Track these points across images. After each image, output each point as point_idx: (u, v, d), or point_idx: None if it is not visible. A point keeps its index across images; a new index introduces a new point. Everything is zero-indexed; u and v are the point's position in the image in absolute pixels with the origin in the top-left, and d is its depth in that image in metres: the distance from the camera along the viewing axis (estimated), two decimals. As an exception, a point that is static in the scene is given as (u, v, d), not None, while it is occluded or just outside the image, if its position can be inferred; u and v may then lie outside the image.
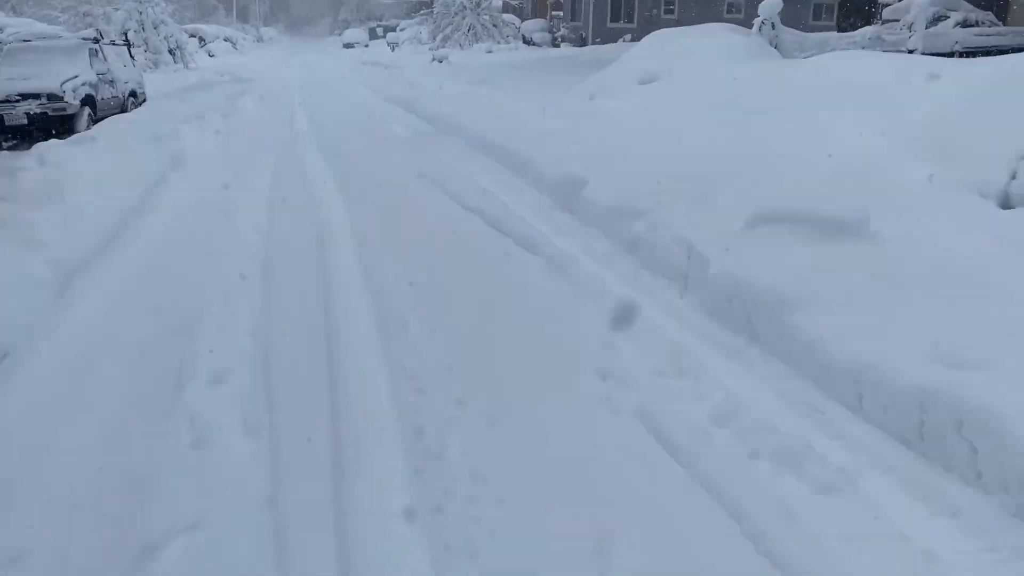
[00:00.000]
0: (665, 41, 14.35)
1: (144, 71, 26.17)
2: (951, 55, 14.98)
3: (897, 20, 26.63)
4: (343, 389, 3.65)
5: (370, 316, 4.54)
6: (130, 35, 27.03)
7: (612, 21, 36.93)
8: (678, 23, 30.12)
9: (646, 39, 15.15)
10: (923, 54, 14.16)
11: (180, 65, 29.02)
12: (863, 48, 15.17)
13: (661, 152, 7.57)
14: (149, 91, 18.05)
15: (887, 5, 24.80)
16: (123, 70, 15.26)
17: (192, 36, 40.20)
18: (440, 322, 4.40)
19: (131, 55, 16.34)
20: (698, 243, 4.79)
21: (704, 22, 16.25)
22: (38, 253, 4.91)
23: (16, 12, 35.85)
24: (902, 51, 14.75)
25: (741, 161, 6.32)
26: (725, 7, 36.53)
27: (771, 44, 14.40)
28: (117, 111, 14.36)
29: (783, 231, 4.60)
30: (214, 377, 3.73)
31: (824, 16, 37.40)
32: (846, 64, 8.74)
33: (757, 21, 14.76)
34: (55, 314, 4.51)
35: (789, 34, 15.11)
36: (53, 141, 9.55)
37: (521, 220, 6.68)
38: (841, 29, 18.21)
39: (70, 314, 4.57)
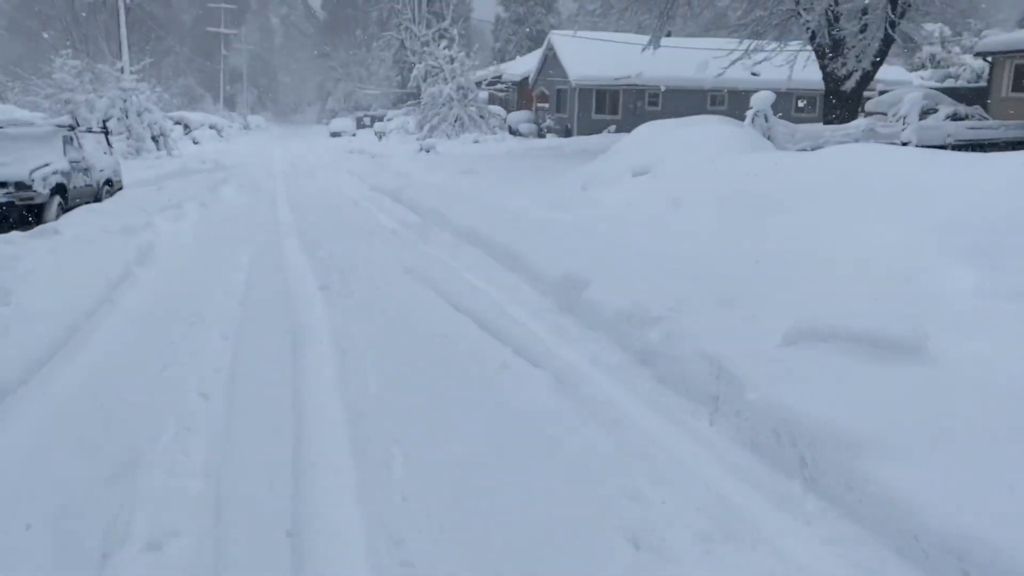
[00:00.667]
0: (657, 132, 14.12)
1: (126, 158, 25.98)
2: (943, 147, 14.84)
3: (881, 113, 26.99)
4: (311, 557, 2.92)
5: (346, 449, 3.83)
6: (113, 122, 26.86)
7: (597, 113, 37.47)
8: (662, 115, 30.46)
9: (637, 130, 14.94)
10: (917, 146, 13.98)
11: (163, 152, 28.81)
12: (856, 140, 15.01)
13: (668, 249, 7.05)
14: (128, 179, 17.60)
15: (870, 99, 25.15)
16: (99, 157, 14.79)
17: (177, 123, 40.32)
18: (430, 462, 3.69)
19: (108, 142, 15.91)
20: (729, 360, 4.16)
21: (688, 114, 16.15)
22: (-42, 372, 4.19)
23: (1, 99, 35.88)
24: (895, 143, 14.56)
25: (762, 262, 5.76)
26: (708, 99, 37.26)
27: (764, 136, 14.22)
28: (91, 200, 13.83)
29: (829, 350, 3.98)
30: (150, 541, 2.99)
31: (807, 108, 38.15)
32: (858, 156, 8.36)
33: (750, 113, 14.61)
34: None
35: (781, 126, 14.95)
36: (13, 233, 8.93)
37: (519, 324, 6.05)
38: (826, 121, 18.17)
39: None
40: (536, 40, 59.74)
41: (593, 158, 17.08)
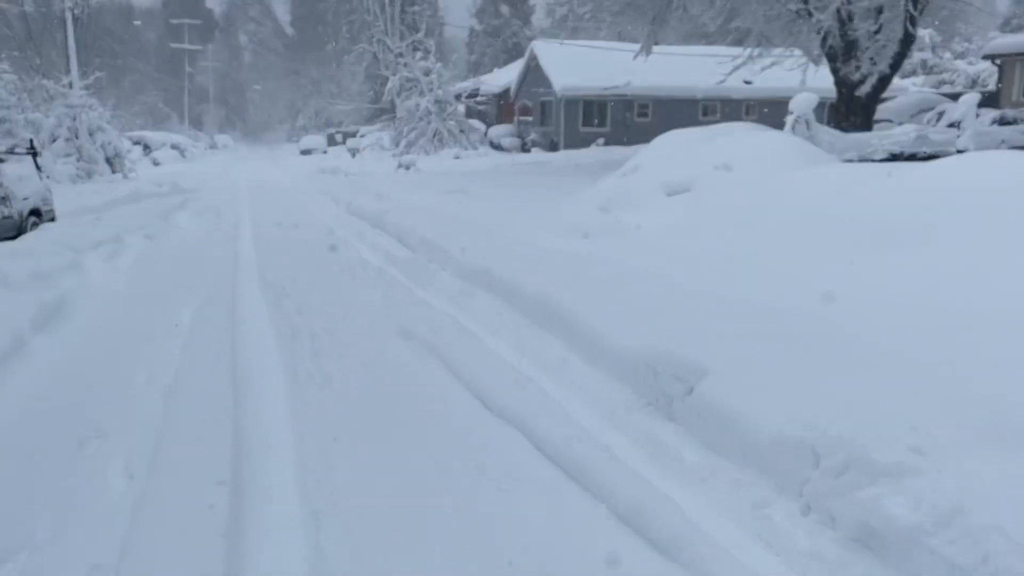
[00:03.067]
0: (686, 143, 12.00)
1: (74, 182, 23.41)
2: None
3: (887, 120, 25.23)
4: None
5: None
6: (60, 143, 24.32)
7: (584, 125, 35.48)
8: (652, 127, 28.45)
9: (659, 141, 12.81)
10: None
11: (119, 175, 26.28)
12: (903, 149, 13.06)
13: (788, 306, 4.84)
14: (69, 206, 15.17)
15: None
16: (23, 183, 12.36)
17: (136, 143, 37.68)
18: None
19: (37, 165, 13.47)
20: None
21: (680, 126, 14.29)
22: None
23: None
24: (950, 151, 12.59)
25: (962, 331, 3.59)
26: (700, 110, 35.39)
27: (804, 145, 12.18)
28: (11, 235, 11.41)
29: None
30: None
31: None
32: (981, 170, 6.27)
33: (790, 119, 12.58)
34: None
35: (825, 133, 12.93)
36: None
37: (602, 447, 3.77)
38: (841, 130, 16.41)
39: None
40: (512, 53, 57.87)
41: (593, 173, 14.97)
